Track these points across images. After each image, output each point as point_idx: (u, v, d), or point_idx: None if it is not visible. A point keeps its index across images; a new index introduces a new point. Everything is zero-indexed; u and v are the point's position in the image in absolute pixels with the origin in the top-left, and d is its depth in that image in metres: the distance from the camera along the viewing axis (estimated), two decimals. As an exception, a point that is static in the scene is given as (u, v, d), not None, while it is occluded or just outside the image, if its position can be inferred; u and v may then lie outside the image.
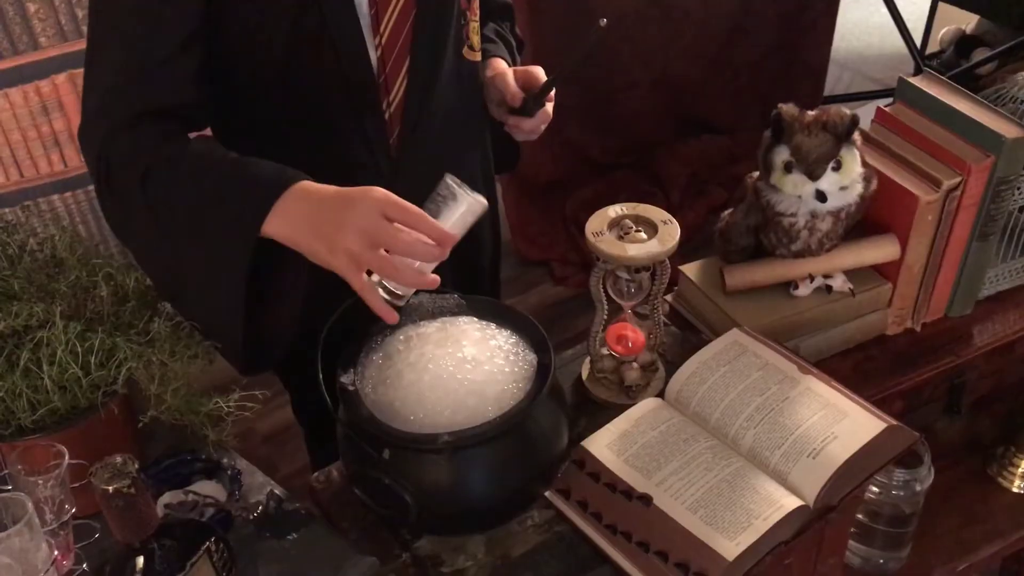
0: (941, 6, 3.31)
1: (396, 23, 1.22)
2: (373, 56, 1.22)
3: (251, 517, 1.07)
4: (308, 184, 1.06)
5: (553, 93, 1.35)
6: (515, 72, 1.36)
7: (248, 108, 1.26)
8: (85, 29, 2.17)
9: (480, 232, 1.51)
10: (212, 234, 1.10)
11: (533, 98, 1.31)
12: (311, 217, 1.04)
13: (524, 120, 1.33)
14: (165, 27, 1.13)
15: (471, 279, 1.50)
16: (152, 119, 1.14)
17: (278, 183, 1.06)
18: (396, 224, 1.00)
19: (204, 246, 1.11)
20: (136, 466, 0.85)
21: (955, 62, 3.28)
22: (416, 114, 1.28)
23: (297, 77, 1.21)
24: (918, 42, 3.39)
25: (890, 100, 1.44)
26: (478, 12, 1.32)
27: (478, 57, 1.35)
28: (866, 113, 1.31)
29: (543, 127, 1.36)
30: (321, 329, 1.08)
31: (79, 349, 1.04)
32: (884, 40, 3.91)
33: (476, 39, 1.32)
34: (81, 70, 2.18)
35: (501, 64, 1.39)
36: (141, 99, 1.14)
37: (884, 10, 3.34)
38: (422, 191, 1.31)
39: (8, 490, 0.92)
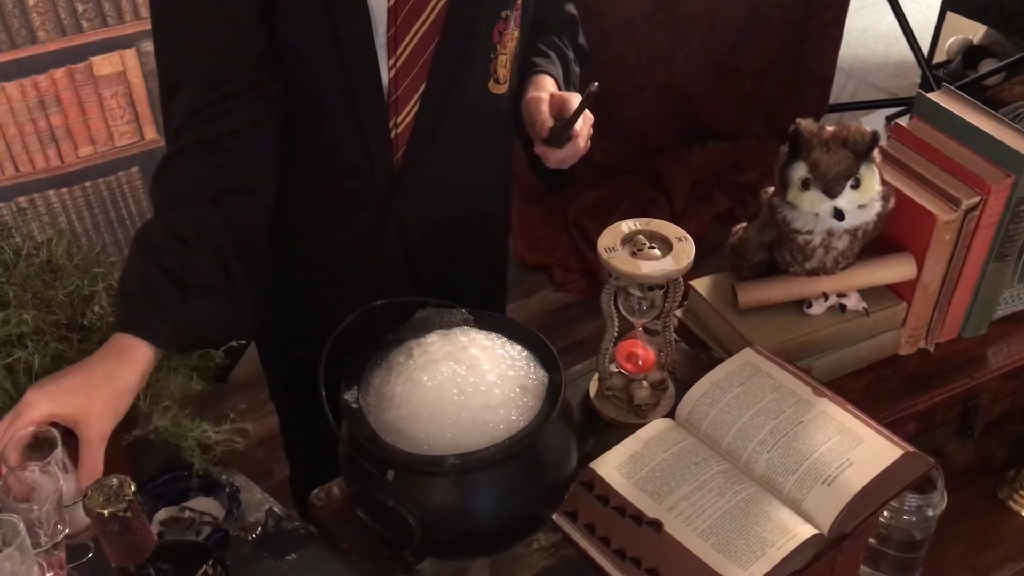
0: (949, 16, 3.29)
1: (416, 48, 1.18)
2: (385, 76, 1.19)
3: (249, 538, 1.04)
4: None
5: (588, 126, 1.27)
6: (552, 97, 1.29)
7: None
8: (84, 24, 2.15)
9: (488, 254, 1.49)
10: None
11: (557, 132, 1.24)
12: None
13: (550, 150, 1.26)
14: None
15: (473, 295, 1.47)
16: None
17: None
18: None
19: None
20: (133, 488, 0.81)
21: (962, 72, 3.26)
22: (424, 139, 1.24)
23: (304, 76, 1.18)
24: (925, 51, 3.36)
25: (896, 109, 1.42)
26: (509, 46, 1.27)
27: (503, 90, 1.30)
28: (872, 121, 1.28)
29: (573, 160, 1.29)
30: (318, 346, 1.05)
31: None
32: (890, 48, 3.88)
33: (503, 72, 1.28)
34: (78, 65, 2.18)
35: (544, 83, 1.31)
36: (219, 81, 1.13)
37: (891, 18, 3.31)
38: (420, 213, 1.32)
39: (-1, 511, 0.88)
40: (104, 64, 2.20)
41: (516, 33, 1.28)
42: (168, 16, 1.14)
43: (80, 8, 2.13)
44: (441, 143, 1.26)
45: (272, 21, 1.14)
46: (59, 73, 2.18)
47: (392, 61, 1.18)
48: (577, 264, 2.79)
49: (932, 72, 3.26)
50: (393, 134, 1.23)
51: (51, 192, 2.31)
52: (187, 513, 1.07)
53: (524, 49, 1.33)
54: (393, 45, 1.17)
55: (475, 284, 1.47)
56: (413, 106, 1.22)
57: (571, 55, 1.41)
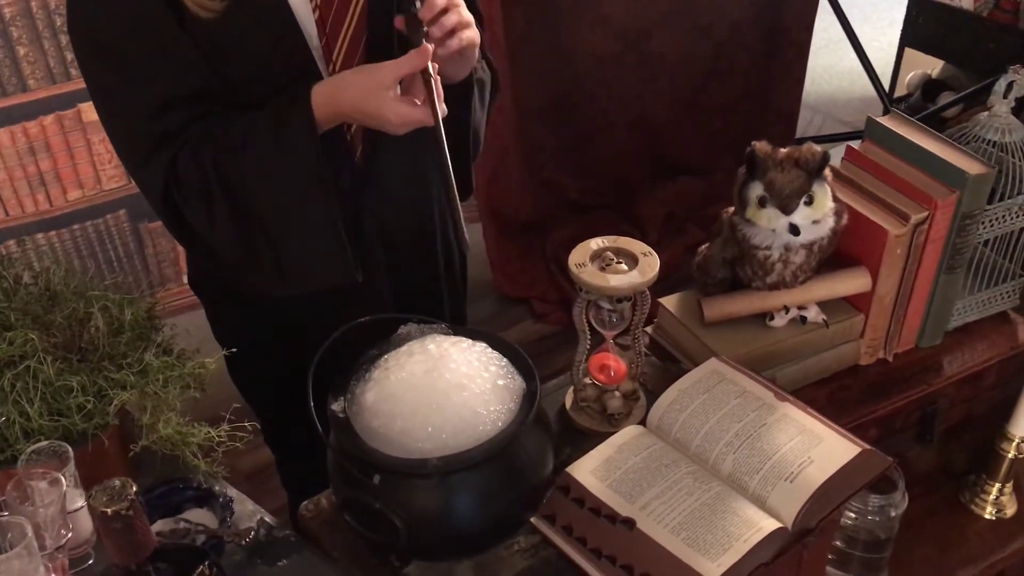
0: (908, 51, 3.41)
1: (348, 49, 1.27)
2: None
3: (242, 543, 1.09)
4: (319, 98, 1.20)
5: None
6: None
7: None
8: (73, 72, 2.23)
9: (448, 249, 1.55)
10: (287, 163, 1.22)
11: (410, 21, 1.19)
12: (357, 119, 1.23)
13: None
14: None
15: (436, 298, 1.54)
16: (182, 112, 1.22)
17: (303, 104, 1.20)
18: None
19: (285, 177, 1.23)
20: (134, 489, 0.87)
21: (921, 105, 3.37)
22: (375, 133, 1.30)
23: (256, 96, 1.26)
24: (886, 86, 3.49)
25: (859, 141, 1.50)
26: None
27: None
28: (837, 154, 1.36)
29: (458, 40, 1.20)
30: (303, 362, 1.11)
31: (72, 382, 1.06)
32: (854, 84, 4.02)
33: None
34: (67, 112, 2.25)
35: None
36: (161, 93, 1.21)
37: (853, 55, 3.44)
38: (390, 201, 1.38)
39: (6, 516, 0.93)
40: (92, 110, 2.26)
41: None
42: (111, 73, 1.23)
43: (69, 57, 2.21)
44: (394, 139, 1.30)
45: (217, 61, 1.22)
46: (48, 119, 2.25)
47: (330, 68, 1.27)
48: (555, 296, 2.86)
49: (893, 106, 3.38)
50: (348, 136, 1.31)
51: (40, 235, 2.36)
52: (182, 524, 1.11)
53: None
54: (328, 52, 1.26)
55: (439, 275, 1.54)
56: None
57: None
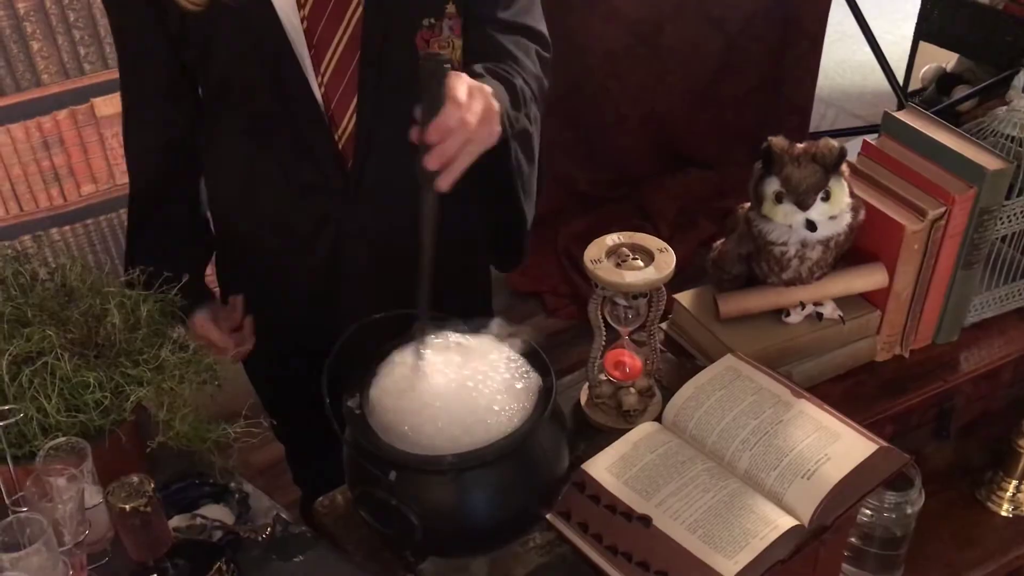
0: (922, 45, 3.39)
1: (339, 63, 1.26)
2: (317, 93, 1.27)
3: (259, 539, 1.09)
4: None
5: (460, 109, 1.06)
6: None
7: (212, 121, 1.36)
8: (87, 66, 2.23)
9: (464, 267, 1.54)
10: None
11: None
12: None
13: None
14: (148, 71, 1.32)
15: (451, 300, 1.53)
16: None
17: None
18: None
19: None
20: (152, 485, 0.87)
21: (936, 99, 3.35)
22: (369, 148, 1.30)
23: (243, 102, 1.28)
24: (900, 80, 3.47)
25: (874, 135, 1.49)
26: (444, 54, 1.28)
27: None
28: (851, 148, 1.35)
29: (450, 150, 1.06)
30: (314, 357, 1.12)
31: (89, 378, 1.06)
32: (867, 78, 3.99)
33: None
34: (80, 106, 2.25)
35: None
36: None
37: (867, 49, 3.42)
38: (380, 215, 1.37)
39: (25, 511, 0.94)
40: (105, 105, 2.28)
41: (458, 42, 1.30)
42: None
43: (83, 51, 2.21)
44: (388, 150, 1.31)
45: (203, 55, 1.26)
46: (62, 114, 2.25)
47: (319, 78, 1.26)
48: (567, 290, 2.86)
49: (908, 99, 3.36)
50: (340, 146, 1.30)
51: (54, 230, 2.37)
52: (198, 520, 1.12)
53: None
54: (316, 63, 1.25)
55: (455, 300, 1.52)
56: (351, 118, 1.28)
57: (520, 83, 1.30)
